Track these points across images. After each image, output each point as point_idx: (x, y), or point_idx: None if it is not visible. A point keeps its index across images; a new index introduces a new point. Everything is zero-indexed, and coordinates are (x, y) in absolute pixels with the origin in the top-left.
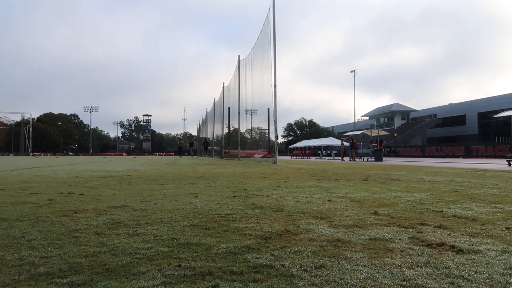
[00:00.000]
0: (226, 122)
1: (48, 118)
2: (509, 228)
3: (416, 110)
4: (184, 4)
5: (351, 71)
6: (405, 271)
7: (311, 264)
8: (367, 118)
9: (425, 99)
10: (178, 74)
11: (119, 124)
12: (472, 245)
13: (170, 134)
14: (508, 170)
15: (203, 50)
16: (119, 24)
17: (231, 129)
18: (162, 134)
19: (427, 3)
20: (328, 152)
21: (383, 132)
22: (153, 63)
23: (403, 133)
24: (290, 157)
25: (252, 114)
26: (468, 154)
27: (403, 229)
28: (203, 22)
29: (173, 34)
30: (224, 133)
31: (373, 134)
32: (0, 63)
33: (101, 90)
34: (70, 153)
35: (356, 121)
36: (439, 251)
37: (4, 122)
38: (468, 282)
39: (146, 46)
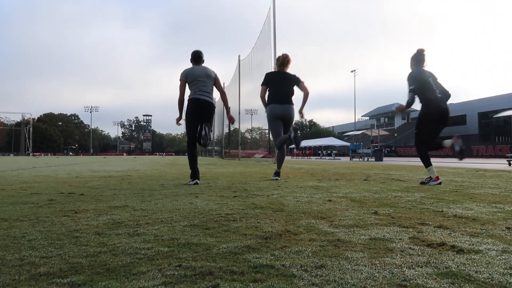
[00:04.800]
0: (226, 122)
1: (48, 118)
2: (509, 228)
3: (416, 110)
4: (185, 7)
5: (352, 71)
6: (405, 271)
7: (312, 264)
8: (367, 118)
9: None
10: (178, 74)
11: (119, 124)
12: (473, 245)
13: (171, 134)
14: (508, 170)
15: (203, 50)
16: (127, 31)
17: (231, 129)
18: (162, 134)
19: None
20: (329, 152)
21: (383, 132)
22: (153, 64)
23: (404, 133)
24: (291, 157)
25: (252, 114)
26: (468, 154)
27: (403, 229)
28: (203, 23)
29: (174, 36)
30: (224, 133)
31: (373, 134)
32: (3, 63)
33: (103, 90)
34: (71, 153)
35: (356, 121)
36: (440, 251)
37: (5, 122)
38: (468, 282)
39: (149, 50)
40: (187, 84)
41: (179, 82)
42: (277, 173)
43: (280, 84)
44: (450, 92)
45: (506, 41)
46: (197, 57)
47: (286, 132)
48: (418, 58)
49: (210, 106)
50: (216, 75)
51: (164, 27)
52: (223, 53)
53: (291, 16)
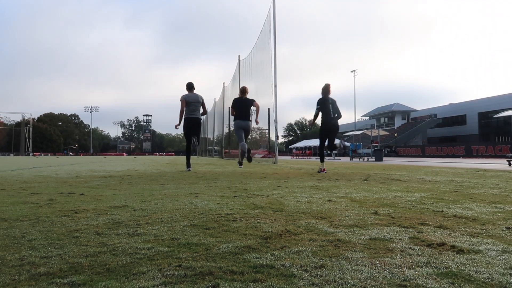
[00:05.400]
0: (226, 122)
1: (48, 118)
2: (509, 228)
3: (416, 110)
4: (185, 8)
5: (352, 71)
6: (405, 271)
7: (312, 264)
8: (367, 118)
9: (425, 99)
10: (178, 74)
11: (119, 124)
12: (473, 245)
13: (171, 134)
14: (508, 170)
15: (203, 50)
16: (128, 32)
17: (232, 129)
18: (162, 134)
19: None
20: (329, 152)
21: (383, 132)
22: (154, 64)
23: (404, 133)
24: (291, 157)
25: (252, 114)
26: (469, 154)
27: (403, 229)
28: (204, 23)
29: (175, 37)
30: (224, 133)
31: (373, 134)
32: (4, 63)
33: (103, 90)
34: (71, 153)
35: (356, 121)
36: (440, 251)
37: (5, 122)
38: (468, 282)
39: (149, 50)
40: (186, 104)
41: (178, 81)
42: (240, 163)
43: (242, 107)
44: (342, 114)
45: (506, 41)
46: (190, 86)
47: (246, 136)
48: (325, 90)
49: (197, 120)
50: (202, 99)
51: (164, 28)
52: (223, 53)
53: (291, 16)
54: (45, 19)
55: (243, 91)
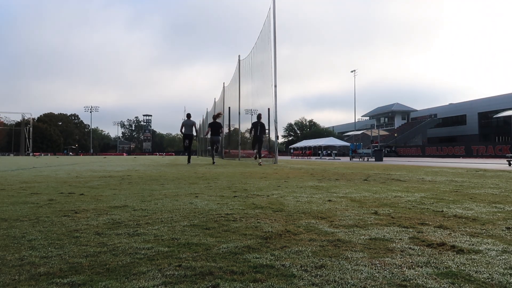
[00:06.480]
0: (226, 122)
1: (48, 118)
2: (509, 228)
3: (416, 110)
4: (186, 9)
5: (352, 71)
6: (405, 271)
7: (312, 264)
8: (367, 118)
9: (425, 99)
10: (179, 75)
11: (119, 124)
12: (473, 245)
13: (171, 134)
14: (508, 170)
15: (204, 50)
16: (130, 33)
17: (232, 129)
18: (162, 134)
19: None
20: (329, 152)
21: (383, 132)
22: (154, 65)
23: (404, 133)
24: (291, 157)
25: (252, 114)
26: (468, 154)
27: (403, 229)
28: (204, 24)
29: (175, 37)
30: (224, 133)
31: (373, 134)
32: (4, 62)
33: (103, 90)
34: (71, 153)
35: (356, 121)
36: (440, 251)
37: (5, 122)
38: (468, 282)
39: (150, 51)
40: (183, 126)
41: (179, 81)
42: (213, 162)
43: (213, 127)
44: (267, 130)
45: (506, 41)
46: (188, 116)
47: (216, 144)
48: (258, 117)
49: (191, 135)
50: (194, 123)
51: (165, 29)
52: (224, 54)
53: (291, 16)
54: (47, 20)
55: (213, 116)
